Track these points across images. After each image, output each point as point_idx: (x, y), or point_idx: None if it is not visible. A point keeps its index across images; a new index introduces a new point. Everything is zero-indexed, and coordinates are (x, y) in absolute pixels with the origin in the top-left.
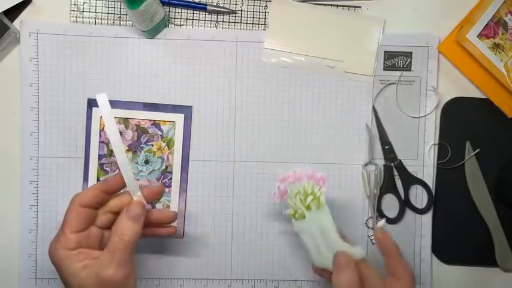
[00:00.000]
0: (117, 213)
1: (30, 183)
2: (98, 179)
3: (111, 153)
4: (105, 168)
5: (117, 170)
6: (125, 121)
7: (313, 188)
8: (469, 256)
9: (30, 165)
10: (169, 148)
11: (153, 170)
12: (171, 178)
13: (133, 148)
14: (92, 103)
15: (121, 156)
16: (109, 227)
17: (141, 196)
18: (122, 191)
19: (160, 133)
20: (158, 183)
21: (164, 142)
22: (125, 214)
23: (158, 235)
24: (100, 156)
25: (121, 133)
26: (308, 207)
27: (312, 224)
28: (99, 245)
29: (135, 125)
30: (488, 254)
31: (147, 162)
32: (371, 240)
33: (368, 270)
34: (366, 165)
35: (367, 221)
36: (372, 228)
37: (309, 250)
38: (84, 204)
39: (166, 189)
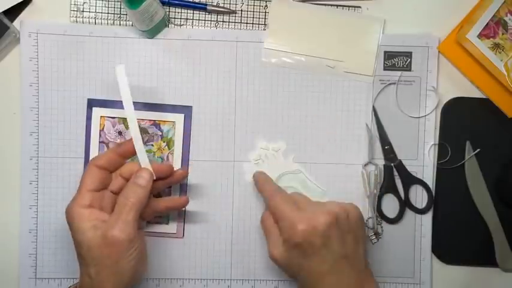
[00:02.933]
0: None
1: (30, 183)
2: None
3: None
4: None
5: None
6: (125, 121)
7: None
8: (469, 256)
9: (30, 165)
10: (169, 148)
11: None
12: None
13: None
14: (92, 103)
15: (133, 125)
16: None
17: (149, 166)
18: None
19: (160, 133)
20: (170, 163)
21: (164, 142)
22: (132, 179)
23: (171, 208)
24: None
25: (120, 133)
26: None
27: None
28: (111, 209)
29: None
30: (488, 254)
31: None
32: (371, 240)
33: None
34: (365, 165)
35: (367, 221)
36: (372, 228)
37: None
38: (99, 165)
39: (166, 189)
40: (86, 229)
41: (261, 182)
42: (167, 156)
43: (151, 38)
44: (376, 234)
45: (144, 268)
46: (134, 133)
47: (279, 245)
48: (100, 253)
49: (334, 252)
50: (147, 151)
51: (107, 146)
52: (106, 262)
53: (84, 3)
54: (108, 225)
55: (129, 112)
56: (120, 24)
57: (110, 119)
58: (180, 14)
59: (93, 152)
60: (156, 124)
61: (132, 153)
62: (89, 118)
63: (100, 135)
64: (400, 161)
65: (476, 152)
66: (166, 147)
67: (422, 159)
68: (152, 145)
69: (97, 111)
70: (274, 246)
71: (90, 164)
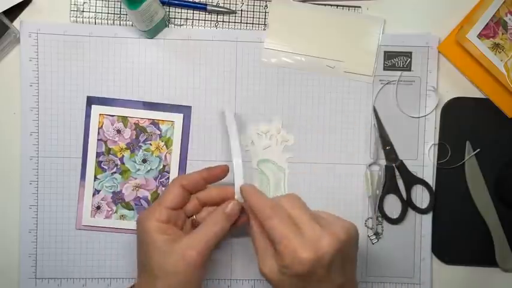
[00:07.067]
0: (203, 205)
1: (30, 183)
2: (95, 177)
3: (109, 151)
4: (102, 166)
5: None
6: (124, 119)
7: None
8: (469, 256)
9: (30, 165)
10: (167, 147)
11: (151, 169)
12: (168, 178)
13: (132, 147)
14: (91, 100)
15: (237, 159)
16: (191, 215)
17: (241, 199)
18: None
19: (159, 132)
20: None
21: (162, 141)
22: (223, 209)
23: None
24: (98, 154)
25: (119, 131)
26: None
27: None
28: (181, 228)
29: (134, 123)
30: (488, 254)
31: (144, 161)
32: (371, 240)
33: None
34: (370, 165)
35: (366, 221)
36: (372, 228)
37: None
38: (184, 186)
39: (163, 189)
40: (162, 242)
41: (252, 196)
42: (165, 156)
43: (151, 38)
44: (376, 234)
45: None
46: (237, 166)
47: (272, 265)
48: (175, 269)
49: (334, 282)
50: (145, 150)
51: (105, 144)
52: (179, 279)
53: (84, 3)
54: (189, 244)
55: (236, 145)
56: (120, 24)
57: (109, 117)
58: (180, 14)
59: (91, 150)
60: (154, 123)
61: (217, 180)
62: (87, 116)
63: (99, 132)
64: (402, 162)
65: (476, 152)
66: (164, 146)
67: (422, 159)
68: (150, 144)
69: (96, 109)
70: (265, 264)
71: (176, 182)
